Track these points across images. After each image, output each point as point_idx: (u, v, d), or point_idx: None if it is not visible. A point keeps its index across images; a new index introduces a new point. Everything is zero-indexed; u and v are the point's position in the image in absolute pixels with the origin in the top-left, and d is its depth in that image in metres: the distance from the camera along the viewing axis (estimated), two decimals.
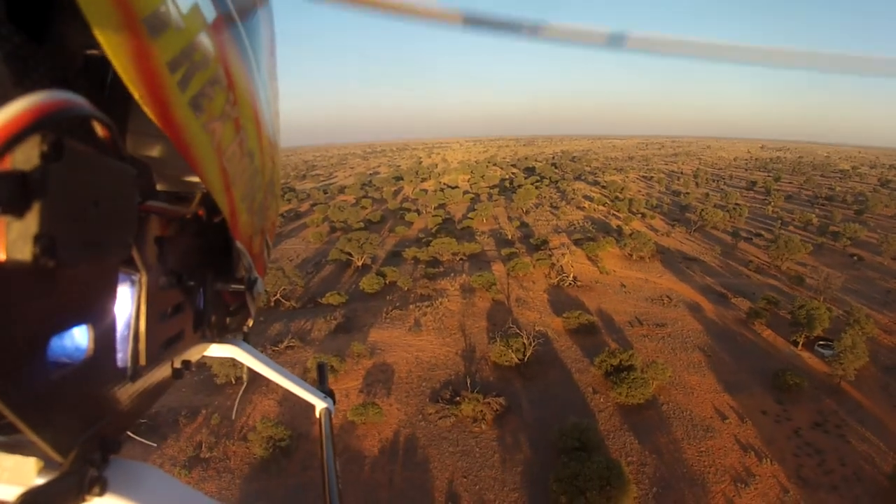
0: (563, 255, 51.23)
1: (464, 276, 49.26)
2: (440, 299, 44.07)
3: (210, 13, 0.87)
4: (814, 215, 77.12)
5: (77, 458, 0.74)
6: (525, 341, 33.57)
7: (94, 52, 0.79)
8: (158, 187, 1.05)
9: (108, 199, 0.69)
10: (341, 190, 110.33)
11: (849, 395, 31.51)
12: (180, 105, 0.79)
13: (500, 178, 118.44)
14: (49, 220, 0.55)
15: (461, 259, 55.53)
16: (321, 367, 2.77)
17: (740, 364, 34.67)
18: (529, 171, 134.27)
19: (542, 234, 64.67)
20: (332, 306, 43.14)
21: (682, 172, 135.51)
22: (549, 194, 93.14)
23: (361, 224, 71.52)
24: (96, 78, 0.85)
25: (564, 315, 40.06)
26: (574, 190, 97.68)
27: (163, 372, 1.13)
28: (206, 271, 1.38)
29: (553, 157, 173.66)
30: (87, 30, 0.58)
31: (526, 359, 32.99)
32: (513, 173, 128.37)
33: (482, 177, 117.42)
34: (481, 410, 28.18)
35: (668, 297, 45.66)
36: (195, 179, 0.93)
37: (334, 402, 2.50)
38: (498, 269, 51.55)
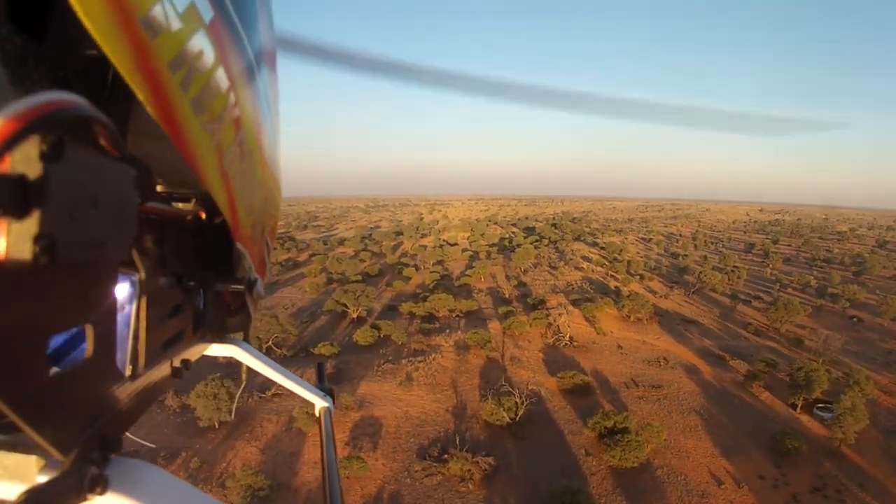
0: (559, 314, 50.87)
1: (459, 332, 48.80)
2: (434, 355, 43.52)
3: (208, 13, 0.87)
4: (812, 277, 76.99)
5: (78, 457, 0.74)
6: (517, 400, 32.84)
7: (94, 52, 0.78)
8: (158, 188, 1.05)
9: (108, 199, 0.69)
10: (341, 242, 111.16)
11: (849, 458, 30.62)
12: (181, 105, 0.79)
13: (499, 237, 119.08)
14: (49, 220, 0.55)
15: (457, 316, 55.08)
16: (320, 367, 2.80)
17: (738, 427, 33.81)
18: (529, 230, 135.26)
19: (539, 293, 64.47)
20: (323, 357, 42.51)
21: (680, 235, 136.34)
22: (547, 254, 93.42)
23: (359, 277, 71.51)
24: (96, 78, 0.85)
25: (559, 375, 39.41)
26: (573, 250, 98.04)
27: (163, 371, 1.14)
28: (206, 272, 1.39)
29: (553, 218, 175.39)
30: (87, 30, 0.58)
31: (518, 418, 32.20)
32: (512, 232, 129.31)
33: (482, 235, 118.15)
34: (469, 470, 27.30)
35: (664, 358, 45.02)
36: (195, 180, 0.93)
37: (334, 401, 2.54)
38: (494, 326, 51.09)
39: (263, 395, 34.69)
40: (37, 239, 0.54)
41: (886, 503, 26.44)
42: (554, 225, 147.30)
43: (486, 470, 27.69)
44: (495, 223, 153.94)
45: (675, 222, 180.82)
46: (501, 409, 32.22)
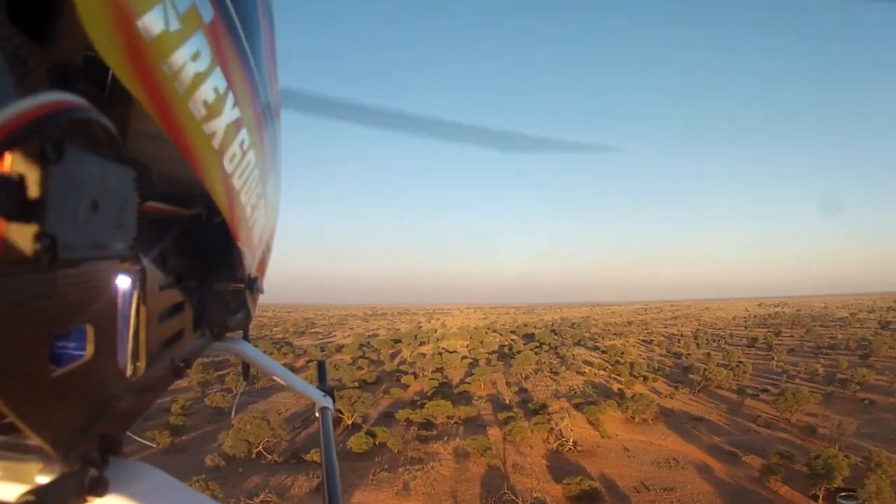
0: (562, 418, 49.12)
1: (458, 439, 46.74)
2: (432, 463, 41.37)
3: (207, 14, 0.86)
4: (819, 365, 75.23)
5: (77, 458, 0.73)
6: None
7: (93, 52, 0.75)
8: (158, 188, 1.03)
9: (108, 199, 0.68)
10: (339, 349, 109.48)
11: None
12: (180, 106, 0.79)
13: (499, 344, 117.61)
14: (49, 220, 0.54)
15: (456, 422, 53.09)
16: (321, 366, 2.88)
17: None
18: (529, 337, 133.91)
19: (541, 398, 62.77)
20: (316, 463, 40.36)
21: (682, 334, 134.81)
22: (548, 360, 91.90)
23: (356, 383, 69.86)
24: (96, 79, 0.84)
25: (565, 481, 37.15)
26: (574, 355, 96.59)
27: (163, 371, 1.13)
28: (207, 271, 1.40)
29: (553, 324, 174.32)
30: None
31: None
32: (512, 339, 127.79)
33: (481, 342, 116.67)
34: None
35: (674, 459, 42.88)
36: (195, 180, 0.92)
37: (334, 401, 2.59)
38: (494, 433, 49.12)
39: (251, 502, 32.86)
40: (37, 239, 0.53)
41: None
42: (553, 331, 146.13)
43: None
44: (494, 331, 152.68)
45: (675, 322, 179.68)
46: None
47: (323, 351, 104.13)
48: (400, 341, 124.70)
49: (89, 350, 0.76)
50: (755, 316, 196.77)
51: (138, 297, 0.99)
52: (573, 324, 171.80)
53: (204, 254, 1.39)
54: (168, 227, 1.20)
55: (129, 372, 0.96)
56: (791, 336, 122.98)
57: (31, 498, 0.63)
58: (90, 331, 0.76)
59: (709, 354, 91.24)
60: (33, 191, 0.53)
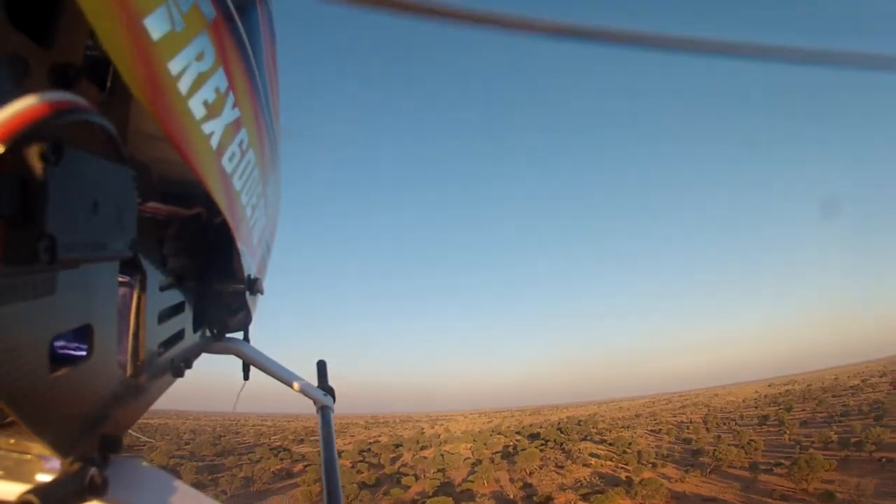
0: None
1: None
2: None
3: (210, 14, 0.88)
4: (832, 432, 73.21)
5: (78, 458, 0.73)
6: None
7: (94, 52, 0.80)
8: (158, 188, 1.07)
9: (108, 199, 0.68)
10: (339, 454, 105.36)
11: None
12: (181, 106, 0.79)
13: (503, 445, 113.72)
14: (49, 221, 0.54)
15: None
16: (321, 366, 2.84)
17: None
18: (534, 436, 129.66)
19: (546, 491, 60.41)
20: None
21: (691, 421, 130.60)
22: (553, 455, 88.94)
23: (355, 486, 67.15)
24: (96, 79, 0.84)
25: None
26: (580, 449, 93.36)
27: (163, 371, 1.16)
28: (207, 271, 1.42)
29: (558, 423, 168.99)
30: (87, 31, 0.58)
31: None
32: (517, 440, 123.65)
33: (485, 444, 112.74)
34: None
35: None
36: (195, 180, 0.94)
37: (334, 400, 2.58)
38: None
39: None
40: (37, 239, 0.53)
41: None
42: (559, 429, 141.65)
43: None
44: (499, 433, 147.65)
45: (684, 411, 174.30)
46: None
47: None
48: (401, 445, 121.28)
49: (90, 350, 0.76)
50: (766, 396, 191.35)
51: (138, 298, 1.00)
52: (579, 421, 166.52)
53: (204, 254, 1.41)
54: (168, 227, 1.21)
55: (129, 372, 0.97)
56: (803, 410, 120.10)
57: (31, 497, 0.63)
58: (91, 331, 0.76)
59: (719, 437, 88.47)
60: (33, 191, 0.53)
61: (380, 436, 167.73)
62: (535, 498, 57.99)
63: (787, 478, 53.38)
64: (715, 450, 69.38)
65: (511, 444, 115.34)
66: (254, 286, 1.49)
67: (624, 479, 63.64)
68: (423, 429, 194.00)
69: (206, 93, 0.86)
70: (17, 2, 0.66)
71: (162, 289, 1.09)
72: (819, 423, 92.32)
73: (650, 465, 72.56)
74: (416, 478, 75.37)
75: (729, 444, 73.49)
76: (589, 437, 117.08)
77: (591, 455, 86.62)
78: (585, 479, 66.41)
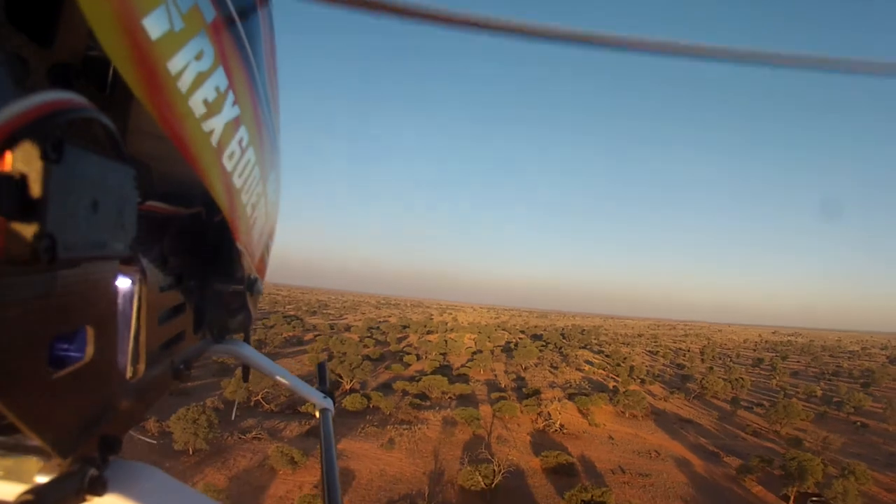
0: (550, 402, 50.50)
1: (449, 411, 48.38)
2: (420, 426, 43.13)
3: (210, 13, 0.87)
4: (819, 388, 75.34)
5: (77, 458, 0.73)
6: (495, 468, 32.32)
7: (94, 52, 0.80)
8: (158, 187, 1.08)
9: (108, 199, 0.67)
10: (347, 328, 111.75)
11: None
12: (181, 105, 0.79)
13: (506, 341, 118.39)
14: (49, 220, 0.54)
15: (450, 398, 54.75)
16: (321, 367, 2.85)
17: None
18: (537, 337, 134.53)
19: (536, 386, 63.89)
20: (309, 414, 42.41)
21: (689, 349, 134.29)
22: (550, 356, 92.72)
23: (360, 358, 71.78)
24: (96, 78, 0.85)
25: (543, 454, 38.70)
26: (577, 355, 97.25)
27: (163, 372, 1.15)
28: (207, 272, 1.41)
29: (563, 329, 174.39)
30: (87, 30, 0.59)
31: (493, 485, 31.49)
32: (520, 338, 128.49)
33: (488, 337, 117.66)
34: None
35: (656, 451, 43.91)
36: (195, 180, 0.94)
37: (334, 402, 2.56)
38: (485, 410, 50.45)
39: (243, 437, 34.81)
40: (37, 239, 0.52)
41: None
42: (562, 334, 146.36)
43: None
44: (504, 329, 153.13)
45: (685, 339, 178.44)
46: (477, 474, 31.61)
47: (332, 329, 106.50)
48: (408, 327, 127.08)
49: (89, 350, 0.76)
50: (767, 342, 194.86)
51: (138, 298, 1.00)
52: (583, 330, 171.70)
53: (204, 254, 1.40)
54: (168, 226, 1.22)
55: (129, 373, 0.97)
56: (798, 362, 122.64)
57: (30, 497, 0.63)
58: (90, 331, 0.76)
59: (711, 368, 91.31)
60: (33, 190, 0.53)
61: (389, 316, 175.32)
62: (523, 389, 61.47)
63: (764, 418, 55.90)
64: (703, 379, 72.20)
65: (513, 340, 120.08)
66: (254, 286, 1.51)
67: (611, 388, 67.12)
68: (431, 315, 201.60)
69: (206, 91, 0.88)
70: (17, 2, 0.66)
71: (162, 289, 1.12)
72: (809, 377, 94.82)
73: (639, 380, 75.74)
74: (418, 357, 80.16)
75: (718, 377, 76.16)
76: (588, 347, 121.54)
77: (586, 362, 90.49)
78: (575, 382, 69.80)
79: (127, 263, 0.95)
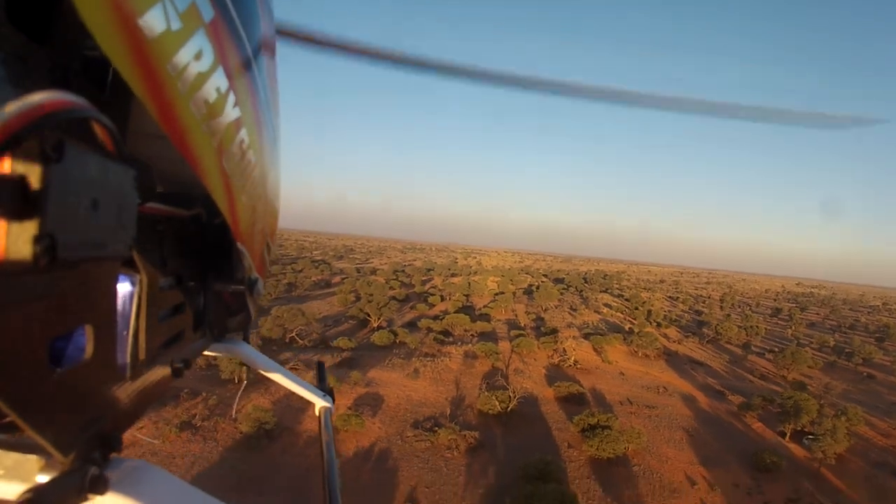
0: (566, 338, 53.62)
1: (470, 346, 51.72)
2: (442, 359, 46.62)
3: (208, 13, 0.88)
4: (832, 339, 76.65)
5: (78, 457, 0.73)
6: (511, 395, 35.53)
7: (94, 52, 0.79)
8: (159, 188, 1.04)
9: (108, 199, 0.68)
10: (373, 272, 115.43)
11: (828, 480, 31.71)
12: (181, 105, 0.79)
13: (528, 284, 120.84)
14: (49, 220, 0.54)
15: (472, 335, 58.11)
16: (321, 367, 2.84)
17: (722, 445, 35.32)
18: (558, 280, 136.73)
19: (553, 325, 66.65)
20: (340, 349, 46.31)
21: (709, 297, 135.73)
22: (571, 299, 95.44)
23: (386, 298, 75.06)
24: (96, 78, 0.85)
25: (555, 385, 41.85)
26: (597, 299, 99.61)
27: (163, 371, 1.17)
28: (207, 272, 1.44)
29: (585, 273, 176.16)
30: (87, 30, 0.58)
31: (509, 409, 34.75)
32: (542, 281, 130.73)
33: (511, 280, 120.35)
34: (455, 440, 29.99)
35: (664, 387, 46.60)
36: (195, 180, 0.93)
37: (334, 401, 2.55)
38: (504, 346, 53.75)
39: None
40: (37, 239, 0.53)
41: None
42: (584, 279, 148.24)
43: (471, 444, 30.28)
44: (527, 273, 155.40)
45: (706, 287, 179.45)
46: (494, 399, 34.86)
47: (358, 272, 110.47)
48: (433, 270, 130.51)
49: (89, 350, 0.76)
50: (789, 293, 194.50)
51: (138, 298, 1.00)
52: (605, 275, 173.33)
53: (204, 254, 1.42)
54: (168, 227, 1.22)
55: (129, 372, 0.97)
56: (816, 314, 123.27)
57: (31, 496, 0.63)
58: (90, 330, 0.75)
59: (728, 315, 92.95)
60: (33, 191, 0.53)
61: (414, 260, 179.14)
62: (542, 328, 64.35)
63: (773, 363, 57.86)
64: (718, 325, 74.21)
65: (536, 283, 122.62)
66: (254, 286, 1.52)
67: (627, 329, 69.57)
68: (456, 259, 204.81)
69: (207, 92, 0.87)
70: (17, 2, 0.66)
71: (162, 289, 1.12)
72: (825, 328, 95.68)
73: (655, 324, 77.80)
74: (442, 298, 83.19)
75: (733, 324, 77.76)
76: (609, 291, 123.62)
77: (605, 305, 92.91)
78: (592, 323, 72.41)
79: (127, 263, 0.97)
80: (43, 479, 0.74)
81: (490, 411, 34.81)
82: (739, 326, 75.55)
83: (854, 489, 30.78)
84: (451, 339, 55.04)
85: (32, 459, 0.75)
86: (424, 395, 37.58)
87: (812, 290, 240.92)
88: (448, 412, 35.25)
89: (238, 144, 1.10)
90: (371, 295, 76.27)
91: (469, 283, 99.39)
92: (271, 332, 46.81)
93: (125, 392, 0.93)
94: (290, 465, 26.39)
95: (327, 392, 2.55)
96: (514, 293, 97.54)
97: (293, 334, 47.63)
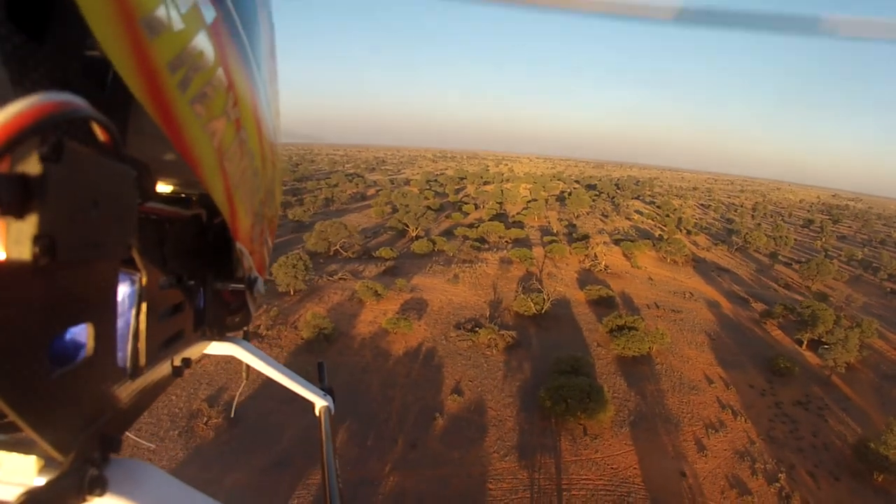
0: (597, 244, 55.86)
1: (504, 252, 54.43)
2: (480, 265, 49.54)
3: (209, 14, 0.89)
4: (861, 253, 77.01)
5: (77, 457, 0.73)
6: (545, 297, 38.42)
7: (94, 52, 0.80)
8: (159, 188, 1.08)
9: (108, 199, 0.68)
10: (406, 182, 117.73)
11: (838, 387, 33.75)
12: (181, 106, 0.79)
13: (560, 191, 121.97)
14: (49, 220, 0.55)
15: (506, 241, 60.69)
16: (321, 366, 2.91)
17: (741, 349, 37.66)
18: (590, 187, 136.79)
19: (584, 232, 68.54)
20: (383, 259, 49.41)
21: (742, 205, 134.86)
22: (602, 205, 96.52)
23: (422, 208, 77.26)
24: (96, 79, 0.85)
25: (586, 288, 44.58)
26: (628, 205, 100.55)
27: (163, 371, 1.17)
28: (206, 271, 1.44)
29: (617, 180, 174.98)
30: (87, 30, 0.58)
31: (543, 310, 37.74)
32: (574, 188, 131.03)
33: (543, 187, 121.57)
34: (494, 339, 33.12)
35: (690, 293, 48.81)
36: (195, 180, 0.93)
37: (334, 401, 2.57)
38: (538, 251, 56.40)
39: (332, 278, 41.78)
40: (37, 239, 0.53)
41: (865, 426, 29.00)
42: (616, 185, 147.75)
43: (509, 342, 33.36)
44: (559, 180, 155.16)
45: (740, 196, 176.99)
46: (529, 301, 37.82)
47: (392, 184, 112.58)
48: (465, 179, 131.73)
49: (89, 349, 0.76)
50: (824, 204, 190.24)
51: (138, 297, 1.00)
52: (637, 182, 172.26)
53: (204, 254, 1.43)
54: (168, 227, 1.22)
55: (129, 371, 0.97)
56: (849, 227, 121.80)
57: (30, 497, 0.63)
58: (90, 330, 0.76)
59: (759, 224, 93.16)
60: (33, 191, 0.53)
61: (446, 169, 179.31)
62: (573, 235, 66.44)
63: (798, 273, 59.06)
64: (748, 234, 75.11)
65: (568, 190, 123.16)
66: (254, 285, 1.53)
67: (656, 236, 71.29)
68: (487, 166, 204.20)
69: (207, 92, 0.88)
70: (17, 2, 0.66)
71: (162, 288, 1.12)
72: (856, 242, 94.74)
73: (685, 231, 79.36)
74: (476, 207, 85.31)
75: (763, 233, 78.12)
76: (640, 197, 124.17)
77: (636, 212, 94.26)
78: (623, 230, 74.41)
79: (127, 263, 0.97)
80: (42, 479, 0.74)
81: (525, 313, 37.77)
82: (769, 236, 76.28)
83: (862, 397, 32.86)
84: (486, 245, 57.78)
85: (32, 460, 0.75)
86: (465, 299, 40.65)
87: (848, 202, 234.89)
88: (487, 314, 38.34)
89: (238, 145, 1.12)
90: (407, 206, 78.38)
91: (502, 191, 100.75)
92: (316, 245, 49.43)
93: (125, 392, 0.95)
94: (347, 364, 29.90)
95: (327, 391, 2.56)
96: (546, 200, 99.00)
97: (337, 247, 50.49)
